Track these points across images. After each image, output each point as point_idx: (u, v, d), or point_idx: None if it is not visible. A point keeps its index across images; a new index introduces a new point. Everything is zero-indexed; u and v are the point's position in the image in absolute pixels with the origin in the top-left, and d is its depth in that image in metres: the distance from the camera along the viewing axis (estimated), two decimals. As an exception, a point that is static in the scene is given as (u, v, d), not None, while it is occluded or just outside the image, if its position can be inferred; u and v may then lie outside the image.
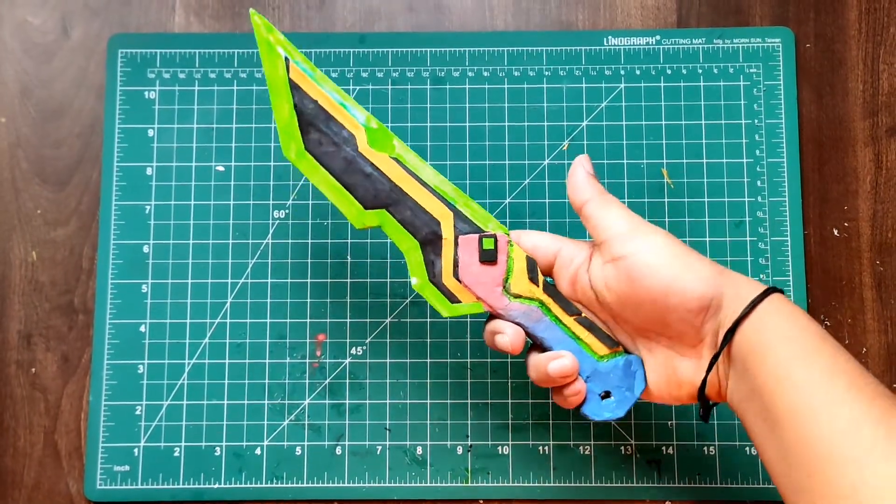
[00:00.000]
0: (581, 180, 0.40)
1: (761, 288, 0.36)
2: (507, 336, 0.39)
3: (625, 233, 0.37)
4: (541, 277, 0.40)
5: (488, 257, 0.39)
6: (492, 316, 0.40)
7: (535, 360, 0.39)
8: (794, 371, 0.33)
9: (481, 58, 0.53)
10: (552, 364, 0.38)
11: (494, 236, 0.40)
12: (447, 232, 0.40)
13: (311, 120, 0.40)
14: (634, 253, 0.36)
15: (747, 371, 0.35)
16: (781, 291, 0.36)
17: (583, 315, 0.39)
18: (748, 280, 0.37)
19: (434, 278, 0.40)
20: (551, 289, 0.40)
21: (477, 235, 0.40)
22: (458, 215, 0.40)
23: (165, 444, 0.49)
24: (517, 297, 0.39)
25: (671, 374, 0.38)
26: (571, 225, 0.51)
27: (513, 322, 0.39)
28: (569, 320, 0.39)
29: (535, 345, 0.40)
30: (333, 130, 0.40)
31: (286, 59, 0.40)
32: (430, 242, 0.40)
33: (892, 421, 0.31)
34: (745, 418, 0.36)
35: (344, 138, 0.40)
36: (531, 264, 0.40)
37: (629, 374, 0.39)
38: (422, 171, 0.40)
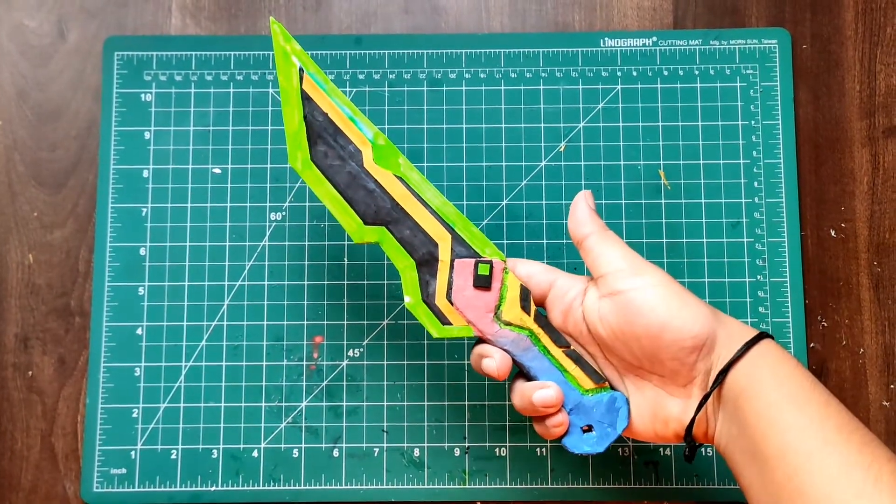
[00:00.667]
0: (583, 215, 0.40)
1: (753, 332, 0.37)
2: (494, 361, 0.39)
3: (624, 269, 0.38)
4: (533, 307, 0.40)
5: (482, 283, 0.40)
6: (480, 339, 0.41)
7: (521, 388, 0.40)
8: (786, 413, 0.34)
9: (478, 59, 0.53)
10: (537, 394, 0.39)
11: (490, 262, 0.40)
12: (444, 254, 0.40)
13: (320, 132, 0.41)
14: (633, 289, 0.37)
15: (738, 411, 0.35)
16: (773, 337, 0.37)
17: (571, 348, 0.40)
18: (740, 324, 0.38)
19: (427, 298, 0.40)
20: (542, 319, 0.40)
21: (473, 260, 0.40)
22: (457, 238, 0.40)
23: (162, 447, 0.49)
24: (508, 324, 0.40)
25: (658, 412, 0.38)
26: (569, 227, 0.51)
27: (501, 349, 0.40)
28: (557, 352, 0.40)
29: (522, 373, 0.41)
30: (340, 144, 0.41)
31: (300, 69, 0.41)
32: (427, 263, 0.40)
33: (883, 468, 0.32)
34: (733, 459, 0.36)
35: (350, 153, 0.41)
36: (524, 293, 0.40)
37: (612, 411, 0.39)
38: (424, 192, 0.41)
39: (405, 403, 0.50)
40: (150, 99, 0.52)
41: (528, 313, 0.40)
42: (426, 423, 0.50)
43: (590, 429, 0.39)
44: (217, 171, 0.52)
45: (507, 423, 0.50)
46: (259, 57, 0.53)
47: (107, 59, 0.53)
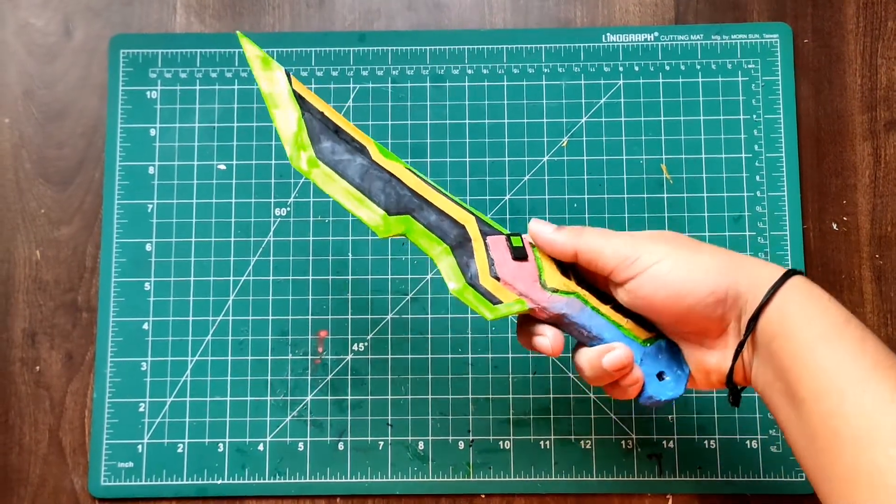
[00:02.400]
0: (553, 237, 0.38)
1: (780, 271, 0.35)
2: (547, 339, 0.38)
3: (622, 258, 0.37)
4: (571, 273, 0.39)
5: (520, 254, 0.38)
6: (524, 318, 0.39)
7: (588, 356, 0.38)
8: (819, 353, 0.33)
9: (480, 55, 0.53)
10: (606, 357, 0.37)
11: (520, 235, 0.39)
12: (474, 233, 0.38)
13: (321, 130, 0.38)
14: (639, 273, 0.36)
15: (771, 355, 0.34)
16: (802, 273, 0.36)
17: (618, 303, 0.38)
18: (765, 264, 0.36)
19: (471, 280, 0.38)
20: (584, 282, 0.39)
21: (503, 236, 0.39)
22: (478, 219, 0.39)
23: (169, 441, 0.50)
24: (555, 291, 0.38)
25: (699, 365, 0.38)
26: (571, 222, 0.51)
27: (557, 314, 0.38)
28: (606, 308, 0.38)
29: (580, 343, 0.39)
30: (345, 140, 0.38)
31: (287, 71, 0.39)
32: (461, 245, 0.38)
33: None
34: (771, 402, 0.35)
35: (356, 148, 0.38)
36: (559, 262, 0.39)
37: (674, 354, 0.38)
38: (435, 184, 0.40)
39: (409, 397, 0.50)
40: (155, 96, 0.53)
41: (570, 277, 0.38)
42: (430, 417, 0.50)
43: (662, 375, 0.38)
44: (222, 167, 0.52)
45: (511, 417, 0.50)
46: (263, 54, 0.53)
47: (112, 57, 0.53)
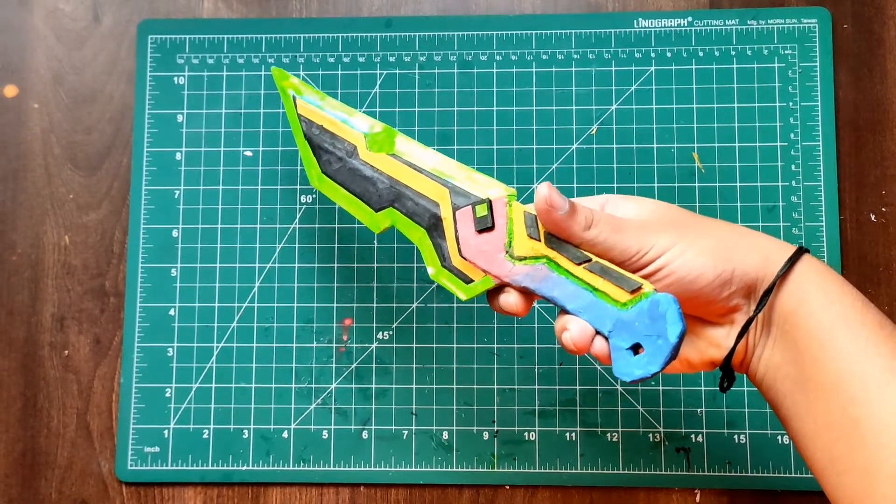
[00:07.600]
0: (567, 226, 0.35)
1: (787, 247, 0.34)
2: (511, 297, 0.37)
3: (633, 254, 0.35)
4: (542, 231, 0.36)
5: (484, 224, 0.37)
6: (501, 286, 0.38)
7: (555, 325, 0.37)
8: (839, 337, 0.32)
9: (509, 41, 0.52)
10: (563, 337, 0.36)
11: (487, 201, 0.37)
12: (445, 211, 0.38)
13: (320, 143, 0.43)
14: (646, 265, 0.35)
15: (785, 336, 0.33)
16: (809, 251, 0.35)
17: (594, 261, 0.35)
18: (774, 240, 0.35)
19: (445, 263, 0.38)
20: (554, 241, 0.36)
21: (470, 205, 0.38)
22: (455, 190, 0.38)
23: (195, 426, 0.50)
24: (522, 259, 0.36)
25: (695, 340, 0.36)
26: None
27: (519, 287, 0.37)
28: (579, 270, 0.35)
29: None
30: (337, 146, 0.43)
31: (293, 97, 0.44)
32: (434, 227, 0.39)
33: None
34: (774, 388, 0.34)
35: (347, 151, 0.42)
36: (530, 220, 0.37)
37: (658, 318, 0.33)
38: (421, 159, 0.40)
39: (434, 386, 0.50)
40: (182, 82, 0.53)
41: (539, 239, 0.36)
42: (455, 407, 0.50)
43: (640, 347, 0.34)
44: (248, 153, 0.52)
45: (537, 408, 0.49)
46: (290, 40, 0.53)
47: (140, 42, 0.53)
